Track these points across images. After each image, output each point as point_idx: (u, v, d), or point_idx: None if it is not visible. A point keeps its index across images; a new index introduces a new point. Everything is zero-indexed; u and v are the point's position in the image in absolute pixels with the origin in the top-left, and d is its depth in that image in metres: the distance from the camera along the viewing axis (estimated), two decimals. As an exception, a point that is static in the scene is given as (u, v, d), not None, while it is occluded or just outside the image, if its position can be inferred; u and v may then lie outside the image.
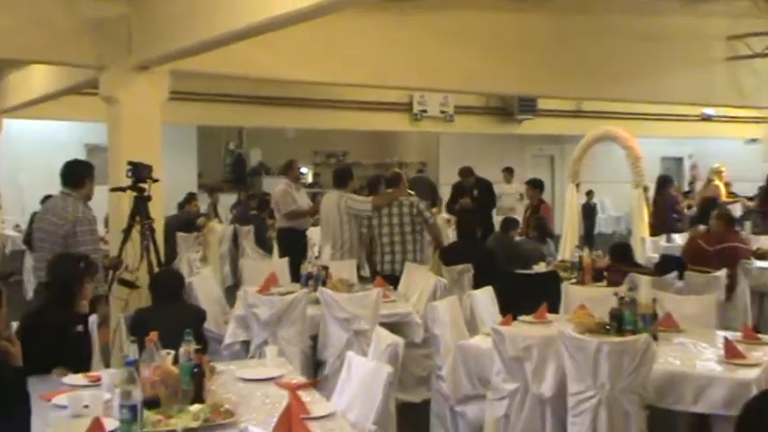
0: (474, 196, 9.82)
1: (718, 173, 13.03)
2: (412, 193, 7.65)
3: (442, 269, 7.21)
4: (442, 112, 15.16)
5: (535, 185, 10.22)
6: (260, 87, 12.58)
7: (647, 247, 9.46)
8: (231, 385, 3.69)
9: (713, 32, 9.95)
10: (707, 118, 17.61)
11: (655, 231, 10.66)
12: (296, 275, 6.52)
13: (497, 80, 9.13)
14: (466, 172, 10.71)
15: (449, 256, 7.31)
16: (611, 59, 9.38)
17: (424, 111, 14.96)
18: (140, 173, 5.89)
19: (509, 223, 8.48)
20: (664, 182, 11.90)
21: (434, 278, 6.28)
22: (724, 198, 12.28)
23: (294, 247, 8.39)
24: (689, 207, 12.76)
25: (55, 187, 5.60)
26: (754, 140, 19.26)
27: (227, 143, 17.98)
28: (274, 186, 10.02)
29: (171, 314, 4.48)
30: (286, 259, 7.29)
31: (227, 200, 14.18)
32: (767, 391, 2.98)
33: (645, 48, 9.35)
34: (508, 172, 14.05)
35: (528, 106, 15.55)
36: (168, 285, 4.93)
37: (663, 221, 10.92)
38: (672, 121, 17.18)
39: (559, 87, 9.79)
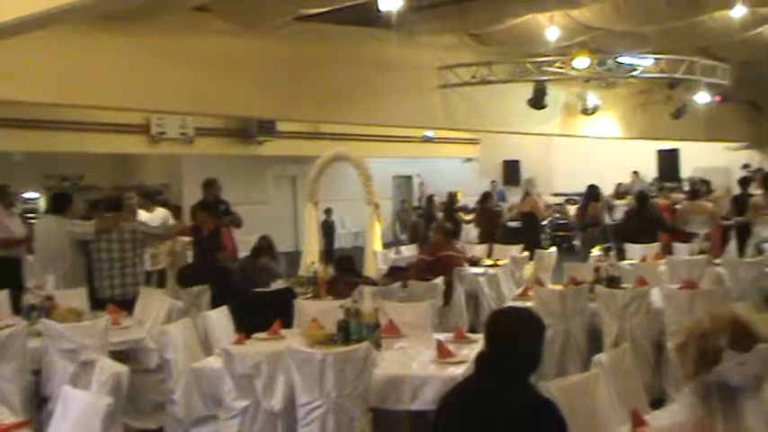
0: (218, 213, 9.33)
1: (532, 185, 13.04)
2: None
3: (179, 292, 7.11)
4: (182, 134, 14.97)
5: (206, 209, 8.20)
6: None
7: (379, 259, 9.99)
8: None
9: (427, 63, 11.06)
10: (428, 139, 19.24)
11: (482, 240, 11.43)
12: (16, 308, 6.07)
13: (235, 103, 9.29)
14: (208, 184, 9.17)
15: (185, 277, 7.24)
16: (343, 85, 9.97)
17: (163, 132, 14.67)
18: None
19: (259, 249, 8.37)
20: (485, 197, 12.62)
21: (169, 301, 6.18)
22: (541, 209, 12.89)
23: (9, 277, 7.70)
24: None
25: None
26: (470, 159, 21.37)
27: (-55, 166, 16.21)
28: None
29: None
30: (6, 291, 6.72)
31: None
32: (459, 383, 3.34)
33: (372, 75, 10.12)
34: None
35: (267, 128, 15.81)
36: None
37: (488, 233, 11.75)
38: (400, 143, 18.56)
39: (295, 111, 10.18)
